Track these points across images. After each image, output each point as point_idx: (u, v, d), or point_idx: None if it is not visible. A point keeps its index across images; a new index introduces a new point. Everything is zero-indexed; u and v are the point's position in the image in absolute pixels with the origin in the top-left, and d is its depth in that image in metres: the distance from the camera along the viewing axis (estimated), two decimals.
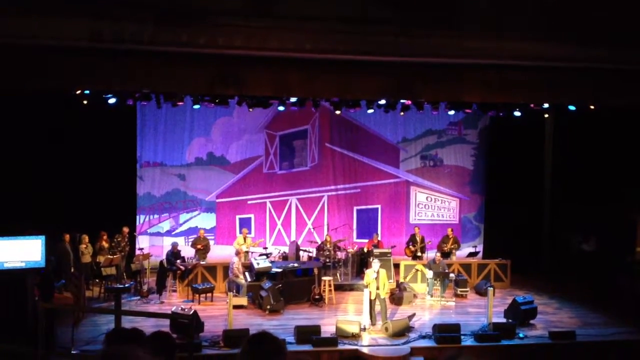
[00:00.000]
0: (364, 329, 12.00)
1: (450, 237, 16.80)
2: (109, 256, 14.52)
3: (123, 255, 15.10)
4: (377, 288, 12.28)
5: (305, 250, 16.72)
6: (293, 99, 13.72)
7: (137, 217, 17.35)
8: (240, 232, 16.79)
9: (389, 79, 10.48)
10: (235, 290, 13.77)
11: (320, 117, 18.05)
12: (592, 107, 14.05)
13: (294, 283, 14.36)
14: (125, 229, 15.48)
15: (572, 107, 14.14)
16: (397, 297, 14.31)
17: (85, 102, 14.02)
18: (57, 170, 15.16)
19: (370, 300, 12.35)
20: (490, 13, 9.06)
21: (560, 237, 17.87)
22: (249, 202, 18.09)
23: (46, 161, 15.04)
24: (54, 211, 14.45)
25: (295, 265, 14.97)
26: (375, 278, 12.25)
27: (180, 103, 13.99)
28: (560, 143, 17.82)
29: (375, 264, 12.45)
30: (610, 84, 10.70)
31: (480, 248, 18.24)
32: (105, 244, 14.99)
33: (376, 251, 15.56)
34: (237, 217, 18.03)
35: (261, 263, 14.51)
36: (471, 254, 17.02)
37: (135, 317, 11.96)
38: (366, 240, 17.34)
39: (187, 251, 16.14)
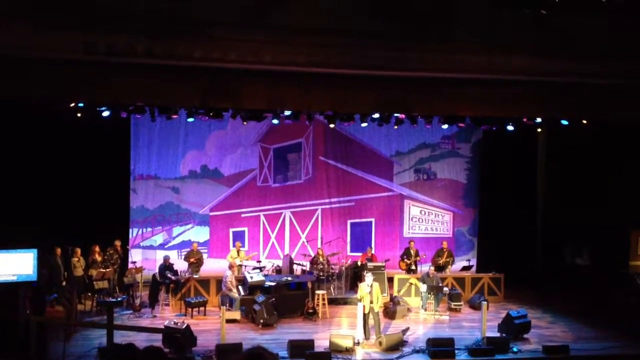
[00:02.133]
0: (358, 343, 11.95)
1: (444, 250, 16.80)
2: (101, 270, 14.44)
3: (115, 268, 15.01)
4: (371, 302, 12.23)
5: (298, 264, 16.66)
6: (287, 113, 13.73)
7: (130, 230, 17.26)
8: (234, 246, 16.74)
9: (383, 92, 10.54)
10: (229, 304, 13.70)
11: (314, 130, 18.08)
12: (584, 121, 14.13)
13: (287, 297, 14.30)
14: (117, 242, 15.40)
15: (564, 122, 14.20)
16: (390, 311, 14.25)
17: (78, 114, 14.00)
18: (50, 183, 15.11)
19: (364, 314, 12.30)
20: (484, 28, 9.14)
21: (554, 251, 17.89)
22: (242, 215, 18.05)
23: (39, 174, 14.98)
24: (47, 224, 14.38)
25: (289, 278, 14.91)
26: (369, 292, 12.21)
27: (175, 116, 13.99)
28: (553, 157, 17.89)
29: (369, 277, 12.41)
30: (603, 99, 10.78)
31: (473, 262, 18.24)
32: (97, 257, 14.90)
33: (370, 265, 15.53)
34: (231, 230, 17.98)
35: (254, 277, 14.46)
36: (465, 268, 17.00)
37: (128, 331, 11.89)
38: (360, 254, 17.33)
39: (180, 265, 16.06)
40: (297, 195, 18.32)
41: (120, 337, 11.19)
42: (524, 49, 9.29)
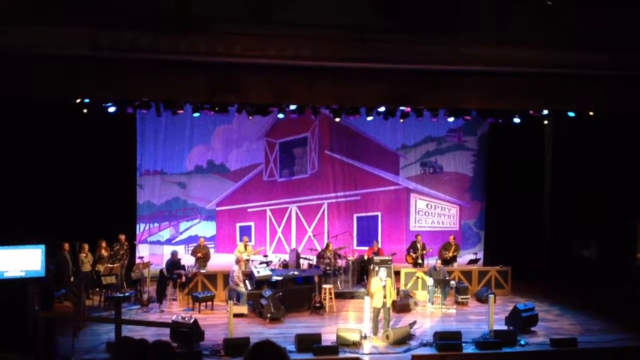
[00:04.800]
0: (365, 337, 11.95)
1: (452, 244, 16.77)
2: (109, 265, 14.49)
3: (123, 263, 15.06)
4: (384, 297, 12.20)
5: (305, 258, 16.68)
6: (293, 107, 13.73)
7: (137, 225, 17.31)
8: (241, 240, 16.77)
9: (389, 86, 10.51)
10: (236, 299, 13.73)
11: (319, 124, 18.06)
12: (591, 113, 14.06)
13: (294, 291, 14.33)
14: (122, 236, 15.43)
15: (571, 114, 14.13)
16: (399, 305, 14.20)
17: (85, 110, 14.04)
18: (57, 179, 15.16)
19: (376, 309, 12.27)
20: (489, 20, 9.09)
21: (561, 244, 17.84)
22: (249, 210, 18.07)
23: (46, 170, 15.03)
24: (54, 220, 14.43)
25: (296, 273, 14.93)
26: (383, 286, 12.17)
27: (180, 111, 13.99)
28: (559, 149, 17.83)
29: (382, 272, 12.36)
30: (609, 90, 10.72)
31: (480, 255, 18.20)
32: (104, 253, 14.96)
33: (376, 259, 15.51)
34: (238, 225, 18.01)
35: (261, 271, 14.48)
36: (472, 261, 16.98)
37: (136, 326, 11.94)
38: (366, 248, 17.31)
39: (188, 259, 16.10)
40: (303, 189, 18.32)
41: (128, 332, 11.24)
42: (529, 41, 9.24)
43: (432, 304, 14.61)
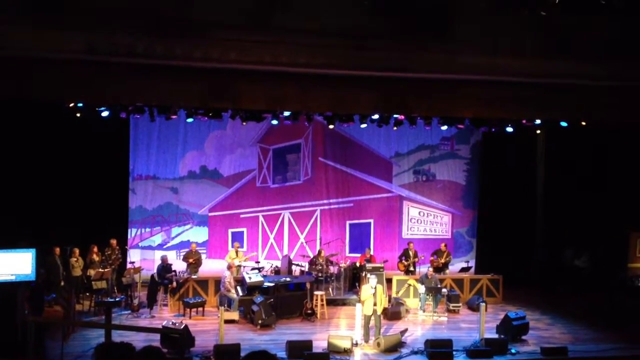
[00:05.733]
0: (356, 344, 11.94)
1: (443, 251, 16.78)
2: (100, 270, 14.43)
3: (114, 268, 15.00)
4: (375, 304, 12.17)
5: (297, 265, 16.66)
6: (286, 113, 13.74)
7: (129, 230, 17.25)
8: (233, 246, 16.73)
9: (383, 93, 10.53)
10: (227, 305, 13.69)
11: (313, 131, 18.08)
12: (583, 123, 14.14)
13: (286, 297, 14.30)
14: (113, 241, 15.36)
15: (564, 123, 14.21)
16: (391, 312, 14.20)
17: (78, 114, 14.00)
18: (49, 183, 15.11)
19: (366, 316, 12.24)
20: (484, 29, 9.14)
21: (553, 253, 17.89)
22: (241, 216, 18.04)
23: (38, 173, 14.98)
24: (45, 224, 14.37)
25: (288, 279, 14.91)
26: (373, 294, 12.15)
27: (174, 116, 13.98)
28: (552, 159, 17.90)
29: (372, 279, 12.35)
30: (602, 100, 10.78)
31: (472, 263, 18.23)
32: (96, 258, 14.88)
33: (369, 266, 15.51)
34: (230, 231, 17.97)
35: (253, 277, 14.45)
36: (463, 269, 17.00)
37: (126, 331, 11.87)
38: (359, 255, 17.31)
39: (179, 265, 16.05)
40: (296, 196, 18.31)
41: (118, 337, 11.18)
42: (524, 51, 9.29)
43: (424, 311, 14.60)
